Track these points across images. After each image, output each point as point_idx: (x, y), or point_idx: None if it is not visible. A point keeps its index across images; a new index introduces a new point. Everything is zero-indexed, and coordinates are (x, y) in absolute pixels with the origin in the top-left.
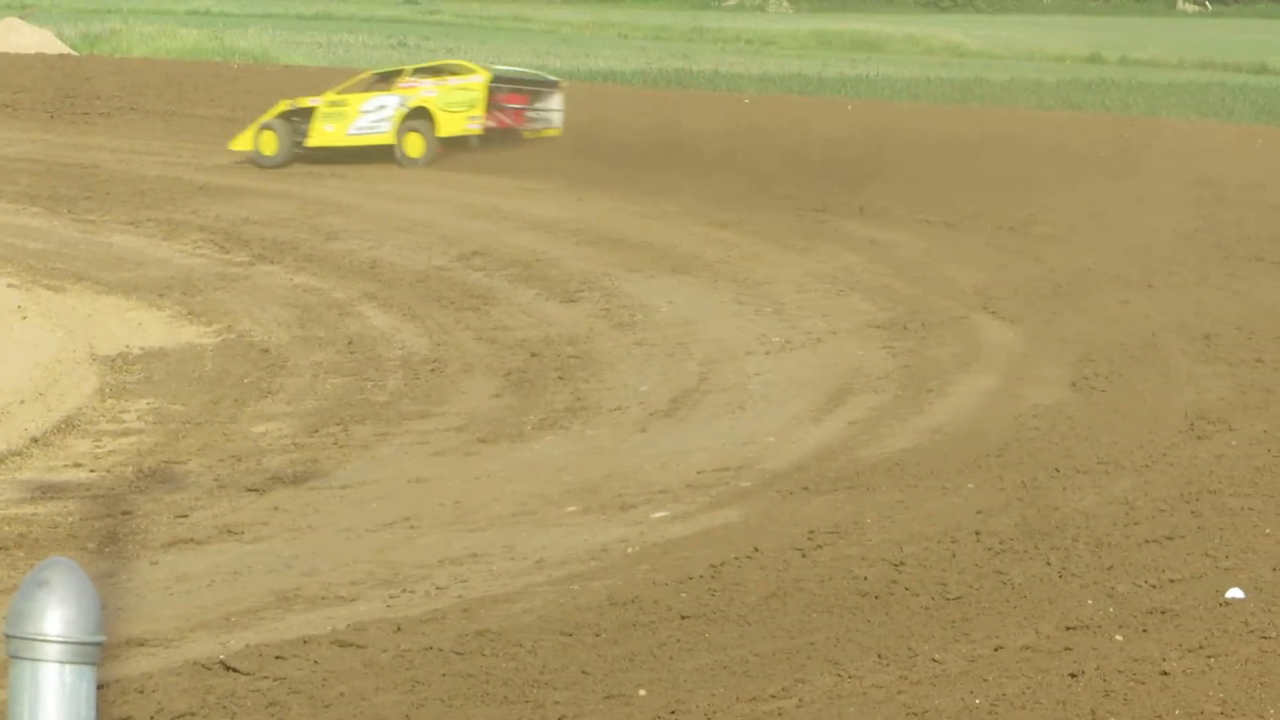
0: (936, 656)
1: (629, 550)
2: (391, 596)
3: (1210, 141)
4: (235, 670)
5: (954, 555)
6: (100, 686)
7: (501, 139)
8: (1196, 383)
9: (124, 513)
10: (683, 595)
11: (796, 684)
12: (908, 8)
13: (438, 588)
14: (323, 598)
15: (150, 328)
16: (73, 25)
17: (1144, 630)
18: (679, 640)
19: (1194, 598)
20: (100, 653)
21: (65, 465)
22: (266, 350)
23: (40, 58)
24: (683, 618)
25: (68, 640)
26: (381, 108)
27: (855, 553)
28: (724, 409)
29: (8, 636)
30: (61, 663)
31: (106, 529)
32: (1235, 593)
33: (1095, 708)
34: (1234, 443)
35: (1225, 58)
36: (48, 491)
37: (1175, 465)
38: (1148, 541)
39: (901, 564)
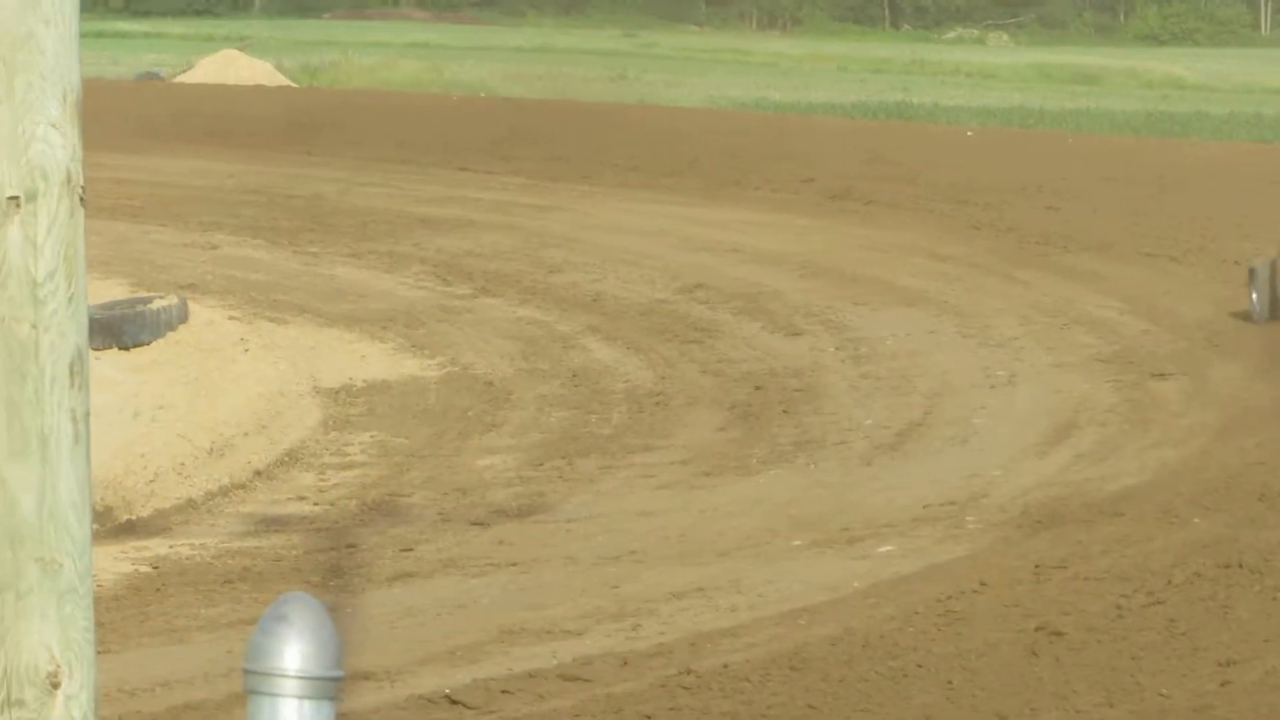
0: (1164, 691)
1: (855, 585)
2: (618, 630)
3: None
4: (461, 704)
5: (1180, 589)
6: None
7: None
8: None
9: (348, 546)
10: (910, 630)
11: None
12: (1126, 41)
13: (664, 622)
14: (548, 631)
15: (373, 360)
16: (292, 57)
17: None
18: (906, 675)
19: None
20: (338, 688)
21: (289, 498)
22: (490, 383)
23: (260, 89)
24: (911, 652)
25: (307, 676)
26: None
27: (1081, 586)
28: (949, 442)
29: (246, 671)
30: (300, 698)
31: (331, 562)
32: None
33: None
34: None
35: None
36: (272, 525)
37: None
38: None
39: (1127, 597)
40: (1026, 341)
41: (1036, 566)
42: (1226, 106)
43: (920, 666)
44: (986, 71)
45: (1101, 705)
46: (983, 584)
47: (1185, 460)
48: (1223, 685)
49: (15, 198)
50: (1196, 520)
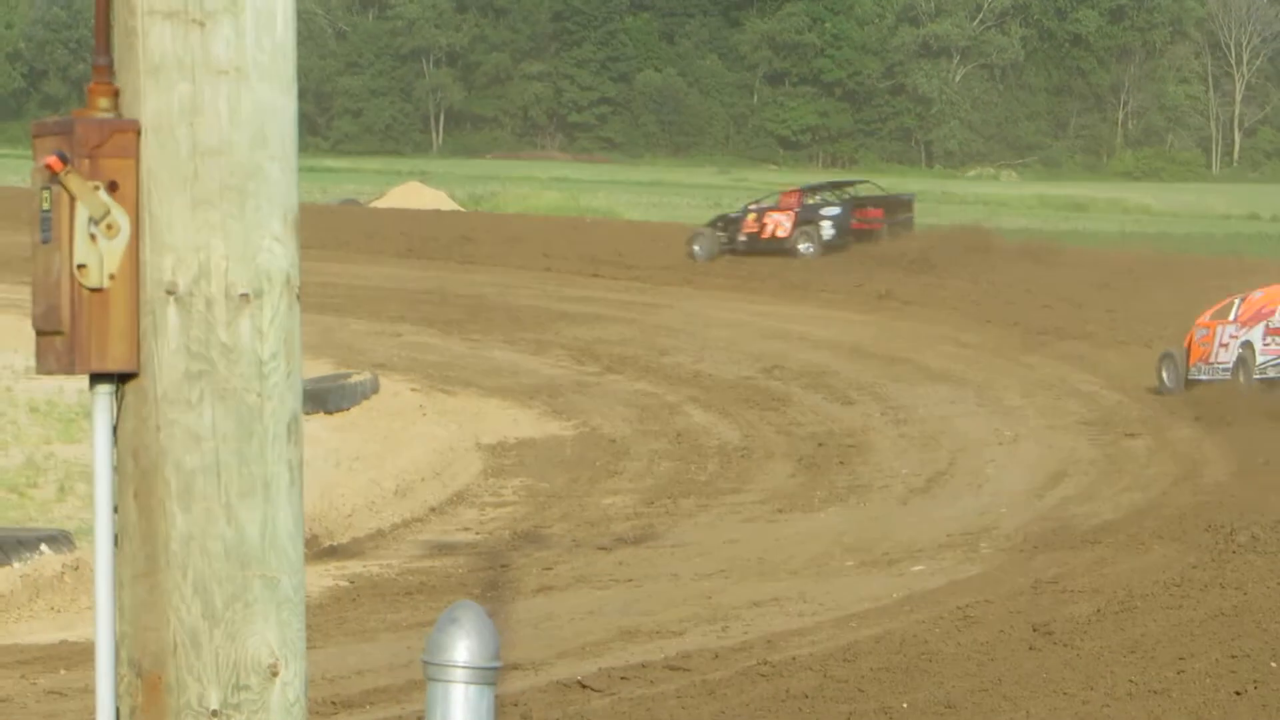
0: (1132, 678)
1: (894, 596)
2: (711, 631)
3: None
4: (589, 688)
5: (1144, 599)
6: None
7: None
8: None
9: (502, 565)
10: (936, 630)
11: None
12: (1109, 177)
13: (747, 625)
14: (657, 632)
15: (523, 423)
16: (461, 187)
17: None
18: (934, 664)
19: None
20: (497, 675)
21: (456, 529)
22: (613, 441)
23: (436, 213)
24: (938, 647)
25: (473, 666)
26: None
27: (1069, 597)
28: (967, 487)
29: (425, 663)
30: (467, 684)
31: (488, 578)
32: None
33: None
34: None
35: None
36: (443, 549)
37: None
38: None
39: (1104, 605)
40: (1028, 410)
41: (1034, 582)
42: (1184, 229)
43: (944, 658)
44: (999, 201)
45: (1084, 688)
46: (992, 595)
47: (1149, 501)
48: (1178, 674)
49: (246, 294)
50: (1157, 547)
